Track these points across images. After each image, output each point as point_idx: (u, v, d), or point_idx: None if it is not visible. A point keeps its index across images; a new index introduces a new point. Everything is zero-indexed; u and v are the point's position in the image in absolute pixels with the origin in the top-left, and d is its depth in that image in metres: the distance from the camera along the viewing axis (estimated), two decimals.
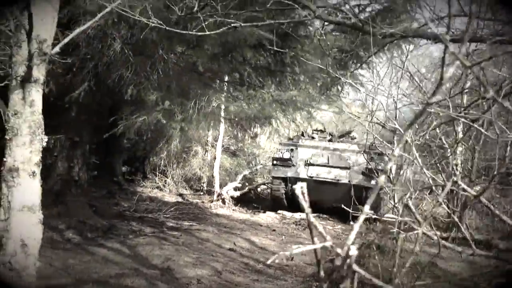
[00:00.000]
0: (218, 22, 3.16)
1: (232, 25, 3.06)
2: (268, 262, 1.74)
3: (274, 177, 13.06)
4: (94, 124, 8.80)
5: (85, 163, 8.81)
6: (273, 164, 13.10)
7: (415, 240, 3.30)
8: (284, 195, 13.10)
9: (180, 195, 14.38)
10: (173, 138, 14.20)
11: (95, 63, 6.96)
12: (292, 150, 12.98)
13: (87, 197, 9.14)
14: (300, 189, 1.86)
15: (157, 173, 15.40)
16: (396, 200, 7.48)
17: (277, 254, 1.72)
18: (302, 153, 12.90)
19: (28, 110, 1.80)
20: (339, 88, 8.56)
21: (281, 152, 12.97)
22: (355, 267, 1.65)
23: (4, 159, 1.82)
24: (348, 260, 1.63)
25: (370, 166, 10.41)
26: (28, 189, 1.84)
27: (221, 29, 2.59)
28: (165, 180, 15.09)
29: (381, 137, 7.73)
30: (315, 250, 1.79)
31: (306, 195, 1.88)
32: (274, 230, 10.49)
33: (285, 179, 12.91)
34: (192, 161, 16.41)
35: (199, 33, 3.23)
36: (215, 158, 14.57)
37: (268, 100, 7.81)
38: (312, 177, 12.37)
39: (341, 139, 13.87)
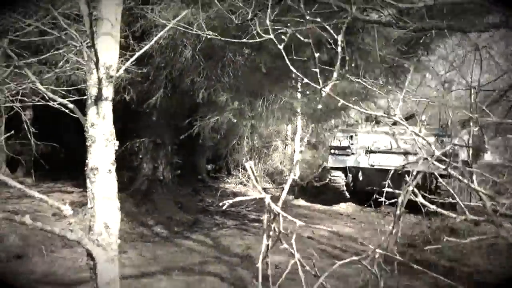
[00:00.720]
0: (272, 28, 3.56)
1: (279, 31, 3.45)
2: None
3: (332, 168, 11.96)
4: (174, 126, 9.50)
5: (169, 163, 9.55)
6: (330, 153, 12.00)
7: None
8: (344, 186, 12.11)
9: (264, 189, 14.87)
10: (244, 135, 14.40)
11: (169, 70, 7.61)
12: (351, 137, 11.89)
13: (172, 194, 9.87)
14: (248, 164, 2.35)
15: (240, 169, 16.01)
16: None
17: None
18: (362, 139, 11.81)
19: (102, 122, 2.32)
20: (407, 75, 8.63)
21: (339, 140, 11.91)
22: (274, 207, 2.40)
23: (87, 161, 2.37)
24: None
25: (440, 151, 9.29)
26: (106, 183, 2.36)
27: (268, 36, 2.99)
28: (248, 176, 15.69)
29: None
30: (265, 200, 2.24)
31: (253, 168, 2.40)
32: (354, 218, 10.70)
33: (344, 169, 11.88)
34: (273, 155, 16.87)
35: (250, 41, 3.67)
36: (294, 151, 14.93)
37: (336, 93, 8.07)
38: (373, 165, 11.36)
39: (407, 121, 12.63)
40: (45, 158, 10.59)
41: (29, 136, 8.25)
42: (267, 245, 2.88)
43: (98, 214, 2.29)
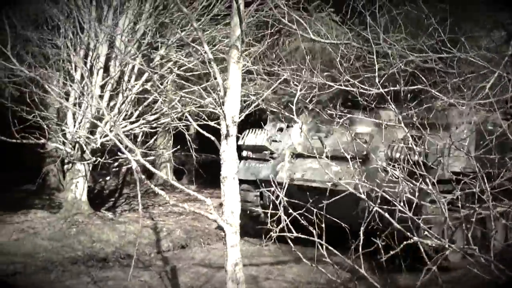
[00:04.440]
0: None
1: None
2: None
3: (241, 181, 7.18)
4: None
5: None
6: (239, 157, 7.53)
7: None
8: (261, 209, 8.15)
9: None
10: None
11: None
12: (281, 129, 8.22)
13: None
14: None
15: None
16: None
17: None
18: (295, 135, 7.99)
19: (229, 149, 3.99)
20: None
21: (255, 135, 8.18)
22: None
23: (221, 172, 4.09)
24: None
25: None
26: (232, 186, 4.05)
27: None
28: None
29: None
30: None
31: None
32: None
33: (257, 183, 8.01)
34: None
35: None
36: None
37: None
38: (293, 179, 7.33)
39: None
40: (204, 168, 13.06)
41: (191, 150, 10.54)
42: None
43: (227, 204, 3.99)
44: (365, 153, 6.79)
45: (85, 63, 8.87)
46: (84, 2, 8.80)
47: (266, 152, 8.04)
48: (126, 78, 9.01)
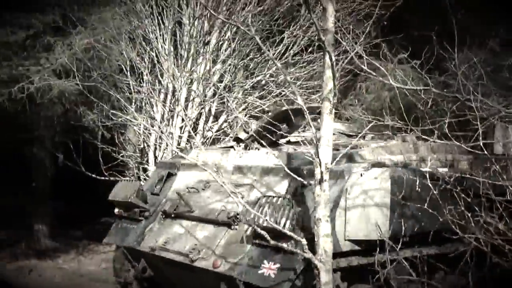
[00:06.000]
0: None
1: None
2: None
3: (106, 244, 7.12)
4: None
5: None
6: (115, 215, 6.69)
7: None
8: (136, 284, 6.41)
9: None
10: None
11: None
12: (162, 179, 6.54)
13: None
14: None
15: None
16: None
17: None
18: (180, 183, 6.35)
19: (322, 194, 4.40)
20: None
21: (125, 187, 6.51)
22: None
23: (315, 214, 4.49)
24: None
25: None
26: (325, 228, 4.44)
27: None
28: None
29: None
30: None
31: None
32: None
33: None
34: None
35: None
36: None
37: None
38: (154, 249, 5.69)
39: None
40: None
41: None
42: None
43: (320, 244, 4.38)
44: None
45: (165, 106, 9.56)
46: (164, 50, 9.52)
47: (136, 210, 6.28)
48: (203, 119, 9.63)
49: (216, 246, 5.15)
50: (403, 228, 4.97)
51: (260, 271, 4.67)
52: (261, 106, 9.54)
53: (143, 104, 9.53)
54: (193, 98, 9.57)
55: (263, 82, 9.59)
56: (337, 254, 4.71)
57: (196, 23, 9.50)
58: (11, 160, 9.84)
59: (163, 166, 6.91)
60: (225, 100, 9.32)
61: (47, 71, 7.46)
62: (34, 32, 7.75)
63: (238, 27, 8.46)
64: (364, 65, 4.92)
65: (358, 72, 7.74)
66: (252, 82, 9.65)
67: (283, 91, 9.11)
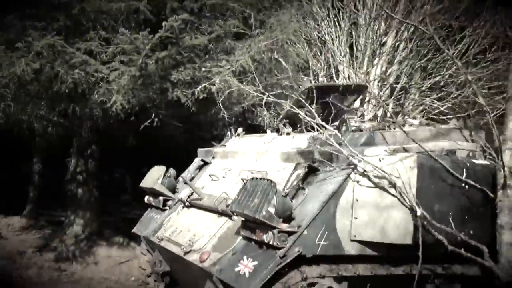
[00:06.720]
0: None
1: None
2: None
3: (134, 233, 6.45)
4: None
5: None
6: (146, 204, 6.44)
7: None
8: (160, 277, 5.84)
9: None
10: None
11: None
12: (200, 168, 6.39)
13: None
14: None
15: None
16: None
17: None
18: (211, 171, 6.07)
19: (506, 199, 4.14)
20: None
21: (168, 176, 6.15)
22: None
23: (497, 221, 4.20)
24: None
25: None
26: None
27: None
28: None
29: None
30: None
31: None
32: None
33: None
34: None
35: None
36: None
37: None
38: (161, 240, 5.49)
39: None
40: None
41: None
42: None
43: (503, 253, 4.10)
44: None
45: None
46: (340, 51, 9.58)
47: (160, 198, 6.02)
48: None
49: (212, 238, 4.75)
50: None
51: (236, 269, 4.10)
52: (439, 108, 9.14)
53: None
54: (369, 100, 9.48)
55: (442, 83, 9.16)
56: (338, 258, 4.28)
57: (372, 23, 9.42)
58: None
59: (201, 154, 6.65)
60: (402, 101, 9.11)
61: (227, 71, 7.85)
62: (216, 36, 8.19)
63: (416, 27, 8.20)
64: None
65: None
66: (429, 83, 9.28)
67: (462, 92, 8.62)
